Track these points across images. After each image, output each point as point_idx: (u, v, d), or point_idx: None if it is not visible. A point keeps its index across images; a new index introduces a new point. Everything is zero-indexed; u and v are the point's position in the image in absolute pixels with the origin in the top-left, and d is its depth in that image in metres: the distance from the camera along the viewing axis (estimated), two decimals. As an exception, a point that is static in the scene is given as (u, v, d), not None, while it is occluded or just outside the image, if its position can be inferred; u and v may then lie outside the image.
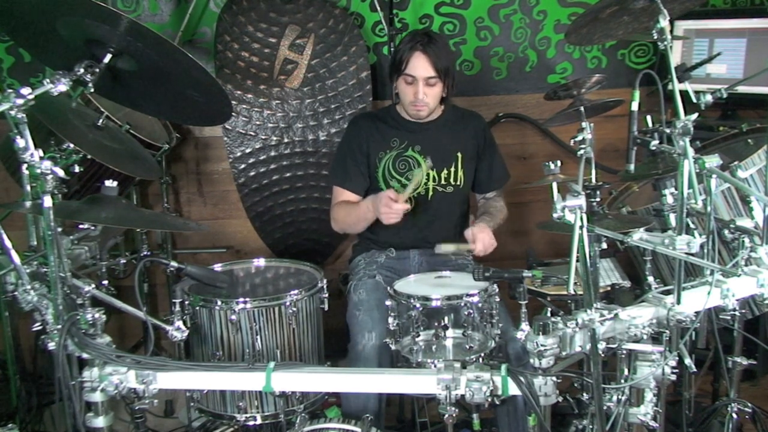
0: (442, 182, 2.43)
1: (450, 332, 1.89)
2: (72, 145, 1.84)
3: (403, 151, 2.42)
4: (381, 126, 2.45)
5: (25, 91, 1.35)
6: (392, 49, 2.90)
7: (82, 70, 1.47)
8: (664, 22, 1.56)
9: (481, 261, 2.28)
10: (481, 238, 2.22)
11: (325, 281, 2.08)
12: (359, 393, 2.00)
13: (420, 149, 2.41)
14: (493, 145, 2.55)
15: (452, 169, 2.43)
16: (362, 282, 2.32)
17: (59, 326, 1.42)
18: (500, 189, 2.59)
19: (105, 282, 2.08)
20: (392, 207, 2.15)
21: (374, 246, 2.48)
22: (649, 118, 1.74)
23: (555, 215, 1.31)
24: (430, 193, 2.42)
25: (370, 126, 2.46)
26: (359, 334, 2.07)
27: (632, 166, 1.69)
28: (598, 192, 1.76)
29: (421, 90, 2.29)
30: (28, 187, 1.63)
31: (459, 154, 2.44)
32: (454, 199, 2.46)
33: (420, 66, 2.26)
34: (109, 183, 1.60)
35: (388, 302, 1.93)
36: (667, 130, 1.53)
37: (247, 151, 3.07)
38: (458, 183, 2.44)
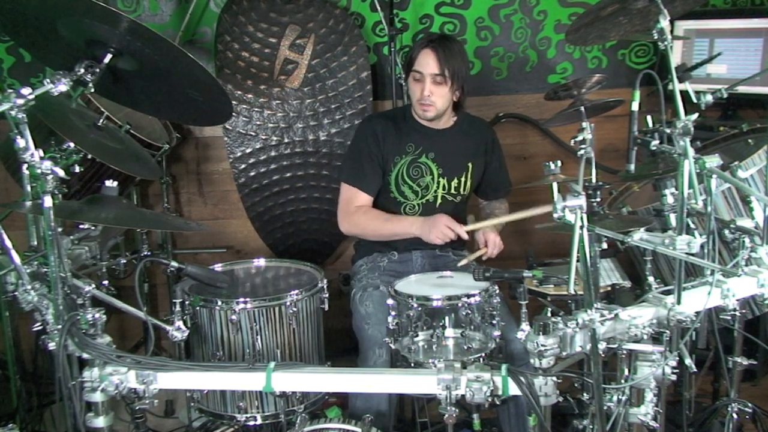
0: (452, 191, 2.43)
1: (450, 332, 1.89)
2: (72, 145, 1.83)
3: (417, 157, 2.40)
4: (396, 129, 2.42)
5: (26, 91, 1.35)
6: (392, 50, 2.90)
7: (82, 70, 1.47)
8: (664, 22, 1.56)
9: (481, 261, 2.28)
10: (492, 240, 2.28)
11: (325, 281, 2.08)
12: (371, 394, 2.01)
13: (434, 157, 2.40)
14: (500, 155, 2.56)
15: (462, 179, 2.44)
16: (368, 293, 2.28)
17: (59, 326, 1.42)
18: (503, 198, 2.62)
19: (105, 282, 2.07)
20: (455, 229, 2.21)
21: (376, 248, 2.47)
22: (649, 118, 1.74)
23: (555, 215, 1.31)
24: (439, 200, 2.43)
25: (386, 127, 2.42)
26: (370, 350, 2.07)
27: (632, 166, 1.69)
28: (598, 192, 1.76)
29: (428, 87, 2.27)
30: (29, 187, 1.62)
31: (470, 165, 2.45)
32: (458, 207, 2.48)
33: (427, 63, 2.27)
34: (109, 183, 1.60)
35: (389, 301, 1.93)
36: (668, 130, 1.53)
37: (248, 151, 3.07)
38: (465, 192, 2.46)
